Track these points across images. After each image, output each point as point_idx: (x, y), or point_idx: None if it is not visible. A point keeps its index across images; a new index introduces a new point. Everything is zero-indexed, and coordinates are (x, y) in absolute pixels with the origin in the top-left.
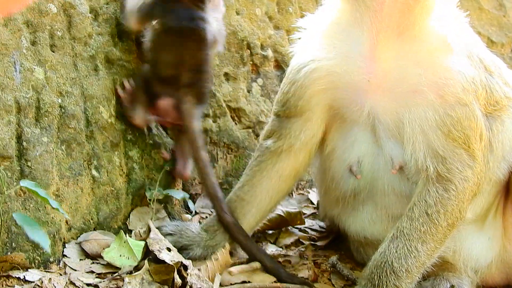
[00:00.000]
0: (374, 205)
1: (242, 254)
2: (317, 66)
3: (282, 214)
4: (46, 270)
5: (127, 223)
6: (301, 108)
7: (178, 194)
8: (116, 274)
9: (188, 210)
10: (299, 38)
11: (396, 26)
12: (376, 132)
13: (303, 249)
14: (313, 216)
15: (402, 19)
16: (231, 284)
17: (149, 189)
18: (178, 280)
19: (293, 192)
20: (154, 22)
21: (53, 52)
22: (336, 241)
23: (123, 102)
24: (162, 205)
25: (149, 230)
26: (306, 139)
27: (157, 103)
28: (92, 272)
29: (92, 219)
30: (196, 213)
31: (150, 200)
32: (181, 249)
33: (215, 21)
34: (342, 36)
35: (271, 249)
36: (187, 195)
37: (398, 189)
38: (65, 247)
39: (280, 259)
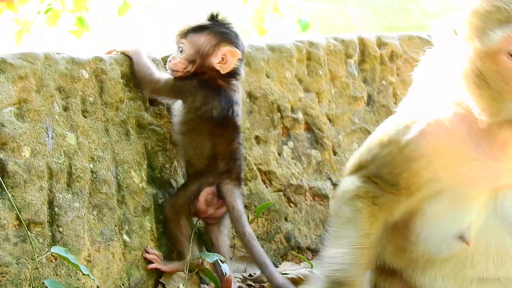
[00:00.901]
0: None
1: None
2: (447, 136)
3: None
4: None
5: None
6: (412, 183)
7: (211, 257)
8: None
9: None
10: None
11: None
12: (496, 198)
13: None
14: None
15: None
16: None
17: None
18: None
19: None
20: (187, 104)
21: (85, 117)
22: None
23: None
24: (194, 271)
25: None
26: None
27: (197, 200)
28: None
29: (123, 284)
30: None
31: (185, 263)
32: None
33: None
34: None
35: None
36: (221, 258)
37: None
38: None
39: None
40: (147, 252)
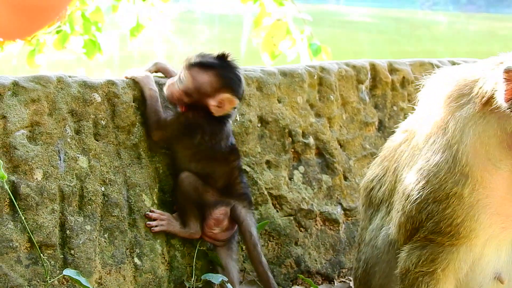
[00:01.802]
0: None
1: None
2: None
3: None
4: None
5: None
6: (473, 229)
7: (216, 278)
8: None
9: None
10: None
11: None
12: None
13: None
14: None
15: None
16: None
17: (187, 281)
18: None
19: (334, 280)
20: (196, 138)
21: (97, 140)
22: None
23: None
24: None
25: None
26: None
27: (209, 213)
28: None
29: None
30: None
31: None
32: None
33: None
34: None
35: None
36: (225, 279)
37: None
38: None
39: None
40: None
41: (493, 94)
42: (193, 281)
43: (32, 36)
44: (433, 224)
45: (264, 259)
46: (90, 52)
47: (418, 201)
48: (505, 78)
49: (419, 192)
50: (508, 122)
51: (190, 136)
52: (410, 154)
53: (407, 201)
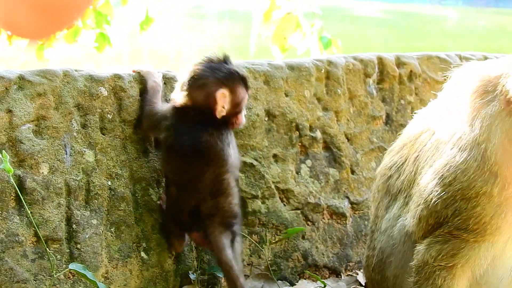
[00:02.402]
0: None
1: None
2: None
3: None
4: None
5: None
6: (500, 227)
7: (220, 271)
8: None
9: None
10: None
11: None
12: None
13: None
14: None
15: None
16: None
17: (193, 273)
18: None
19: (341, 274)
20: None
21: (103, 134)
22: None
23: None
24: (210, 286)
25: None
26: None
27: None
28: None
29: None
30: None
31: (193, 282)
32: None
33: None
34: None
35: None
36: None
37: None
38: None
39: None
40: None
41: None
42: (198, 274)
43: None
44: (461, 221)
45: (241, 282)
46: (100, 46)
47: (444, 197)
48: None
49: (446, 188)
50: None
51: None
52: (433, 146)
53: (430, 195)
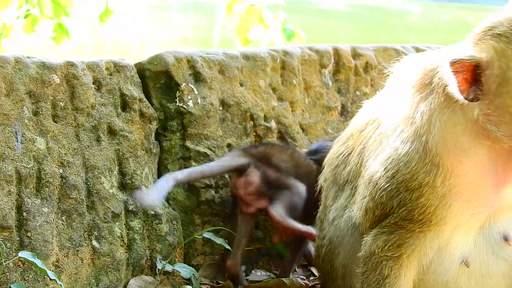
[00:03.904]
0: None
1: None
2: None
3: (285, 281)
4: None
5: None
6: (445, 216)
7: (186, 272)
8: None
9: (188, 281)
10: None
11: None
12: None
13: None
14: None
15: None
16: None
17: (160, 261)
18: None
19: (295, 266)
20: None
21: (55, 122)
22: None
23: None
24: (165, 276)
25: None
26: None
27: None
28: None
29: None
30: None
31: (158, 270)
32: None
33: None
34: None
35: None
36: (196, 274)
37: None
38: None
39: None
40: None
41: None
42: (164, 265)
43: None
44: (406, 211)
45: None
46: (58, 37)
47: (388, 189)
48: (453, 71)
49: (390, 180)
50: (471, 111)
51: None
52: (377, 140)
53: (375, 188)
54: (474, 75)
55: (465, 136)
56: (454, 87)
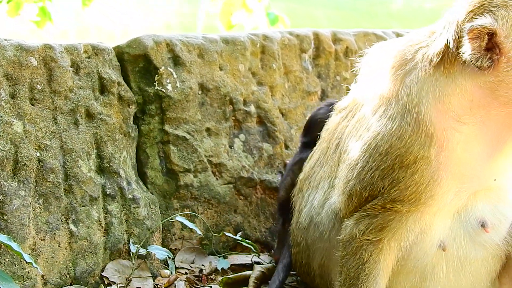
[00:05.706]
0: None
1: None
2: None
3: (263, 270)
4: None
5: (105, 275)
6: (434, 194)
7: (161, 254)
8: None
9: (166, 265)
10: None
11: None
12: (467, 206)
13: None
14: None
15: None
16: None
17: (133, 244)
18: None
19: (273, 248)
20: None
21: (33, 105)
22: None
23: None
24: (143, 260)
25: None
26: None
27: None
28: None
29: (68, 273)
30: (176, 268)
31: (132, 254)
32: None
33: None
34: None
35: None
36: (170, 255)
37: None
38: None
39: None
40: None
41: (444, 56)
42: (138, 249)
43: None
44: (397, 191)
45: None
46: (41, 22)
47: (382, 166)
48: (470, 38)
49: (383, 157)
50: (468, 80)
51: None
52: (355, 126)
53: (365, 168)
54: (489, 42)
55: (459, 105)
56: (467, 54)
